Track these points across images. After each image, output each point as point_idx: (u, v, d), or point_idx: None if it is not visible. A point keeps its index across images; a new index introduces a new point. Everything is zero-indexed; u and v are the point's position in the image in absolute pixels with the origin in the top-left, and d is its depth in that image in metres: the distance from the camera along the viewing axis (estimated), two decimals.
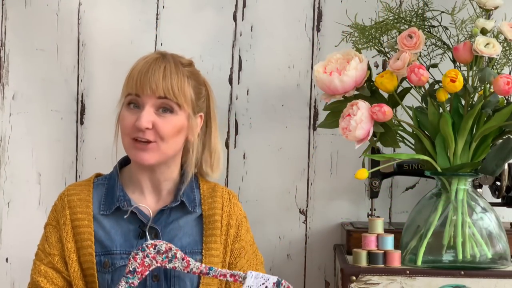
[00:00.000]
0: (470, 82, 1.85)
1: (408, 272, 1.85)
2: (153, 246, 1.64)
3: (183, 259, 1.64)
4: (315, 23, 2.30)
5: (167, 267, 1.64)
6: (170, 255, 1.64)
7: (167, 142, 1.77)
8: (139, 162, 1.77)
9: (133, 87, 1.76)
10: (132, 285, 1.61)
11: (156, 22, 2.30)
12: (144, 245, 1.63)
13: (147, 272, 1.63)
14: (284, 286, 1.62)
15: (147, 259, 1.63)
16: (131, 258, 1.63)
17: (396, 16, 1.99)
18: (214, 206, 1.85)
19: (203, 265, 1.65)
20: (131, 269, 1.62)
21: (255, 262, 1.87)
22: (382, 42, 2.01)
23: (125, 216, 1.73)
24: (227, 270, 1.66)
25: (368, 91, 1.91)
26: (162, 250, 1.63)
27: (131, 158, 1.79)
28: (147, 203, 1.79)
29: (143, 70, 1.76)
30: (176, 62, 1.80)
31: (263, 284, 1.62)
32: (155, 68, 1.77)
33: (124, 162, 1.88)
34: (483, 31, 1.84)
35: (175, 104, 1.77)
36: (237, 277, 1.64)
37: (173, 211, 1.81)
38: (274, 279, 1.63)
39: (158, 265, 1.63)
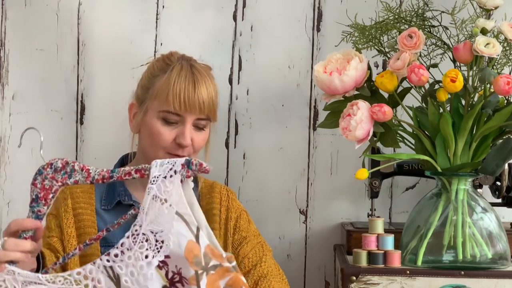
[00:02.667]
0: (470, 82, 1.85)
1: (408, 272, 1.85)
2: (49, 165, 1.52)
3: (82, 170, 1.50)
4: (315, 23, 2.30)
5: (69, 184, 1.51)
6: (68, 169, 1.51)
7: (196, 153, 1.84)
8: None
9: (181, 107, 1.77)
10: (39, 212, 1.49)
11: (156, 22, 2.30)
12: (40, 168, 1.52)
13: (50, 195, 1.50)
14: (195, 165, 1.44)
15: (46, 181, 1.51)
16: (31, 186, 1.51)
17: (396, 16, 1.99)
18: (212, 201, 1.86)
19: (105, 169, 1.51)
20: (33, 197, 1.50)
21: (261, 250, 1.86)
22: (382, 42, 2.01)
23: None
24: (132, 167, 1.47)
25: (368, 91, 1.91)
26: (59, 167, 1.52)
27: None
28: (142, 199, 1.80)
29: (189, 87, 1.78)
30: (207, 73, 1.84)
31: (171, 169, 1.44)
32: (200, 86, 1.79)
33: (125, 161, 1.90)
34: (483, 31, 1.84)
35: (209, 121, 1.84)
36: (142, 171, 1.47)
37: None
38: (182, 160, 1.44)
39: (59, 184, 1.51)
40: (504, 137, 1.89)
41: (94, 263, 1.44)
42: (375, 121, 1.85)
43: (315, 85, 2.28)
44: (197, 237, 1.41)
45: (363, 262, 1.89)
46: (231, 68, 2.31)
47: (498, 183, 2.15)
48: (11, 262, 1.46)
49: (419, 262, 1.88)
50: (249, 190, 2.30)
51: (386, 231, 1.94)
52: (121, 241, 1.43)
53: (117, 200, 1.81)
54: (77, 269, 1.45)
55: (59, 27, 2.29)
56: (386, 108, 1.83)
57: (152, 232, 1.42)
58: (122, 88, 2.14)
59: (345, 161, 2.29)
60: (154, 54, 2.26)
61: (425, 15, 2.01)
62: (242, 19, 2.30)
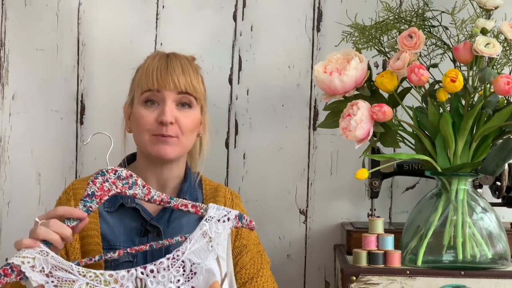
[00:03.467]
0: (470, 82, 1.85)
1: (408, 272, 1.85)
2: (114, 171, 1.60)
3: (143, 186, 1.60)
4: (315, 23, 2.30)
5: (127, 194, 1.60)
6: (130, 181, 1.60)
7: (187, 136, 1.81)
8: (161, 157, 1.79)
9: (153, 83, 1.79)
10: (90, 208, 1.56)
11: (156, 22, 2.30)
12: (104, 170, 1.59)
13: (106, 197, 1.58)
14: (246, 220, 1.61)
15: (106, 184, 1.58)
16: (90, 182, 1.58)
17: (396, 16, 1.99)
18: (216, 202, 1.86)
19: (164, 194, 1.62)
20: (89, 192, 1.57)
21: (259, 261, 1.86)
22: (382, 42, 2.01)
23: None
24: (189, 201, 1.64)
25: (368, 91, 1.91)
26: (122, 176, 1.60)
27: (152, 154, 1.80)
28: (150, 204, 1.80)
29: (161, 66, 1.80)
30: (187, 59, 1.86)
31: (225, 215, 1.60)
32: (173, 64, 1.80)
33: (129, 161, 1.89)
34: (483, 31, 1.84)
35: (193, 99, 1.82)
36: (198, 208, 1.61)
37: (175, 210, 1.81)
38: (236, 212, 1.61)
39: (118, 190, 1.59)
40: (504, 137, 1.89)
41: (128, 271, 1.52)
42: (375, 121, 1.85)
43: (315, 85, 2.28)
44: (222, 281, 1.56)
45: (363, 262, 1.89)
46: (231, 68, 2.31)
47: (498, 183, 2.15)
48: (46, 243, 1.50)
49: (419, 262, 1.88)
50: (249, 190, 2.30)
51: (386, 231, 1.94)
52: (160, 260, 1.54)
53: (120, 202, 1.80)
54: (110, 271, 1.52)
55: (59, 27, 2.29)
56: (386, 108, 1.83)
57: (190, 262, 1.55)
58: (122, 88, 2.13)
59: (345, 161, 2.29)
60: None
61: (425, 15, 2.01)
62: (242, 19, 2.30)
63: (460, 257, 1.87)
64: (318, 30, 2.30)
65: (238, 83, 2.31)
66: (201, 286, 1.54)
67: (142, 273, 1.53)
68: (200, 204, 1.62)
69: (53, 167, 2.31)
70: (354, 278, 1.85)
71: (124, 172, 1.60)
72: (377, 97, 1.92)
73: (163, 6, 2.30)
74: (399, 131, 1.93)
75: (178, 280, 1.54)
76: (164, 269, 1.54)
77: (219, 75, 2.29)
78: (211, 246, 1.56)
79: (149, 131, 1.79)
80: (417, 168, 2.16)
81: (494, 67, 1.89)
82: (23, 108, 2.30)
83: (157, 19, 2.30)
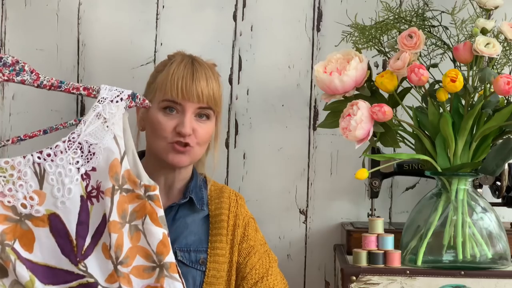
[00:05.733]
0: (470, 82, 1.85)
1: (408, 272, 1.85)
2: None
3: (31, 72, 1.59)
4: (315, 23, 2.30)
5: (15, 81, 1.58)
6: (17, 67, 1.57)
7: (201, 146, 1.84)
8: (175, 165, 1.81)
9: (178, 93, 1.78)
10: None
11: (156, 22, 2.30)
12: None
13: None
14: (139, 99, 1.63)
15: None
16: None
17: (396, 16, 1.99)
18: (221, 206, 1.86)
19: (54, 79, 1.63)
20: None
21: (267, 260, 1.88)
22: (382, 42, 2.01)
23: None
24: (80, 84, 1.68)
25: (368, 91, 1.91)
26: (8, 62, 1.57)
27: (167, 160, 1.80)
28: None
29: (187, 75, 1.79)
30: (210, 67, 1.87)
31: (118, 96, 1.63)
32: (199, 74, 1.80)
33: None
34: (483, 31, 1.84)
35: (212, 112, 1.83)
36: (90, 90, 1.65)
37: (181, 209, 1.82)
38: (128, 92, 1.64)
39: (5, 78, 1.56)
40: (504, 137, 1.89)
41: (24, 157, 1.56)
42: (375, 121, 1.85)
43: (315, 85, 2.28)
44: (122, 159, 1.57)
45: (363, 262, 1.89)
46: (231, 68, 2.31)
47: (498, 183, 2.15)
48: None
49: (419, 262, 1.88)
50: (249, 190, 2.29)
51: (386, 231, 1.94)
52: (56, 143, 1.57)
53: None
54: (5, 158, 1.56)
55: (59, 27, 2.29)
56: (386, 108, 1.83)
57: (87, 143, 1.58)
58: (122, 88, 2.13)
59: (345, 161, 2.29)
60: (154, 54, 2.27)
61: (425, 15, 2.01)
62: (242, 19, 2.30)
63: (460, 257, 1.87)
64: (318, 30, 2.30)
65: (238, 83, 2.31)
66: (102, 165, 1.56)
67: (39, 157, 1.56)
68: (93, 86, 1.65)
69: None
70: (354, 278, 1.85)
71: (9, 58, 1.56)
72: (377, 97, 1.92)
73: (163, 6, 2.30)
74: (399, 131, 1.93)
75: (77, 162, 1.56)
76: (62, 152, 1.56)
77: None
78: (107, 126, 1.59)
79: (166, 139, 1.80)
80: (417, 168, 2.16)
81: (494, 67, 1.89)
82: (23, 108, 2.30)
83: (157, 19, 2.30)
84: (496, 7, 1.89)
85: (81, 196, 1.55)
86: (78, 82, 2.29)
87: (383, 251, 1.89)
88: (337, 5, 2.29)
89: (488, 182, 2.13)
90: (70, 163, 1.56)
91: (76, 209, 1.55)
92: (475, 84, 1.86)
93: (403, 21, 1.98)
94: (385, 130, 1.88)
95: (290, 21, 2.30)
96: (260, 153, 2.30)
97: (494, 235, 1.90)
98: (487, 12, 1.90)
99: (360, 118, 1.83)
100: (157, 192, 1.59)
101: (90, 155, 1.57)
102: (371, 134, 1.86)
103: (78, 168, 1.56)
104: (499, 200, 2.17)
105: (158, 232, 1.58)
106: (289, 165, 2.31)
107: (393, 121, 1.89)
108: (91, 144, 1.57)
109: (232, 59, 2.31)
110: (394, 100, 1.90)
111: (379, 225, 1.92)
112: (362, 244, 1.91)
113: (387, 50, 2.00)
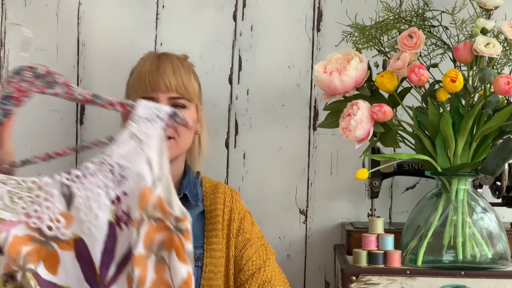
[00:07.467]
0: (470, 82, 1.85)
1: (408, 272, 1.85)
2: (30, 69, 1.45)
3: (65, 85, 1.46)
4: (315, 23, 2.30)
5: (47, 93, 1.47)
6: (50, 79, 1.46)
7: (183, 136, 1.83)
8: None
9: (147, 87, 1.80)
10: (8, 111, 1.45)
11: (156, 22, 2.30)
12: (19, 67, 1.45)
13: (24, 99, 1.45)
14: (180, 118, 1.46)
15: (23, 84, 1.45)
16: (5, 83, 1.44)
17: (396, 16, 1.99)
18: (216, 202, 1.87)
19: (88, 91, 1.48)
20: (5, 94, 1.44)
21: (264, 253, 1.88)
22: (382, 42, 2.01)
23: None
24: (115, 98, 1.48)
25: (368, 91, 1.91)
26: (40, 73, 1.46)
27: None
28: None
29: (152, 68, 1.81)
30: (179, 58, 1.86)
31: (156, 115, 1.46)
32: (164, 65, 1.82)
33: None
34: (483, 31, 1.84)
35: (186, 100, 1.83)
36: (126, 106, 1.47)
37: None
38: (168, 109, 1.46)
39: (37, 90, 1.46)
40: (504, 137, 1.89)
41: (52, 177, 1.43)
42: (375, 121, 1.85)
43: (315, 85, 2.28)
44: (154, 185, 1.43)
45: (363, 262, 1.89)
46: (231, 68, 2.31)
47: (498, 183, 2.15)
48: None
49: (419, 262, 1.88)
50: (249, 190, 2.29)
51: (386, 231, 1.94)
52: (85, 164, 1.44)
53: None
54: (32, 178, 1.43)
55: (59, 27, 2.29)
56: (386, 108, 1.83)
57: (119, 166, 1.44)
58: (122, 88, 2.13)
59: (345, 161, 2.29)
60: None
61: (425, 15, 2.01)
62: (242, 19, 2.30)
63: (460, 257, 1.87)
64: (318, 30, 2.30)
65: (238, 83, 2.31)
66: (133, 191, 1.43)
67: (67, 179, 1.44)
68: (130, 102, 1.47)
69: (53, 167, 2.30)
70: (354, 278, 1.85)
71: (42, 69, 1.46)
72: (377, 97, 1.92)
73: (163, 6, 2.30)
74: (399, 131, 1.93)
75: (107, 186, 1.44)
76: (91, 174, 1.44)
77: (219, 75, 2.29)
78: (141, 149, 1.44)
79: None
80: (417, 168, 2.16)
81: (494, 67, 1.89)
82: (23, 108, 2.29)
83: (157, 19, 2.30)
84: (496, 7, 1.89)
85: (110, 222, 1.44)
86: (78, 82, 2.29)
87: (383, 251, 1.89)
88: (337, 5, 2.29)
89: (488, 182, 2.13)
90: (99, 187, 1.44)
91: (102, 236, 1.44)
92: (475, 84, 1.86)
93: (403, 21, 1.98)
94: (385, 130, 1.88)
95: (290, 21, 2.30)
96: (260, 153, 2.30)
97: (494, 235, 1.90)
98: (487, 12, 1.90)
99: (360, 118, 1.83)
100: (187, 224, 1.47)
101: (122, 179, 1.44)
102: (371, 134, 1.85)
103: (108, 193, 1.44)
104: (499, 200, 2.17)
105: (183, 271, 1.46)
106: (289, 165, 2.31)
107: (393, 121, 1.89)
108: (122, 168, 1.44)
109: (232, 59, 2.31)
110: (394, 100, 1.90)
111: (379, 225, 1.92)
112: (362, 244, 1.91)
113: (387, 50, 2.00)
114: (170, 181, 1.46)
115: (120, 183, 1.44)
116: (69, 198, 1.44)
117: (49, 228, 1.43)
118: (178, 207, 1.46)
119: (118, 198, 1.44)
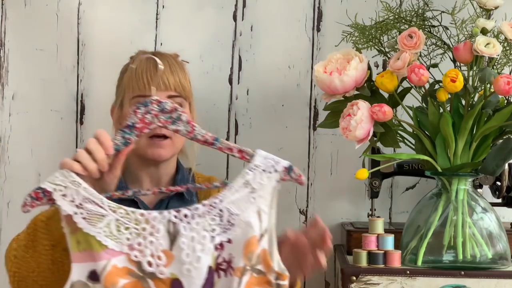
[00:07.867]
0: (470, 82, 1.85)
1: (408, 272, 1.85)
2: (157, 103, 1.46)
3: (187, 123, 1.47)
4: (315, 23, 2.30)
5: (169, 129, 1.47)
6: (174, 116, 1.47)
7: (180, 136, 1.81)
8: (156, 159, 1.81)
9: (145, 86, 1.79)
10: (129, 140, 1.45)
11: (156, 22, 2.30)
12: (147, 101, 1.46)
13: (146, 130, 1.46)
14: (295, 173, 1.46)
15: (148, 116, 1.46)
16: (132, 113, 1.46)
17: (396, 16, 1.99)
18: (210, 194, 1.87)
19: (210, 133, 1.48)
20: (129, 123, 1.45)
21: None
22: (382, 42, 2.01)
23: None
24: (235, 144, 1.49)
25: (368, 91, 1.91)
26: (166, 109, 1.46)
27: (148, 156, 1.81)
28: (146, 197, 1.81)
29: (150, 67, 1.81)
30: (172, 56, 1.89)
31: (273, 166, 1.45)
32: (162, 63, 1.81)
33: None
34: (484, 31, 1.84)
35: (183, 98, 1.83)
36: (244, 154, 1.47)
37: (171, 202, 1.82)
38: (285, 163, 1.46)
39: (160, 124, 1.46)
40: (504, 137, 1.89)
41: (160, 212, 1.41)
42: (375, 121, 1.85)
43: (315, 85, 2.28)
44: (261, 237, 1.43)
45: (363, 262, 1.89)
46: (231, 68, 2.31)
47: (498, 183, 2.15)
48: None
49: (419, 262, 1.88)
50: None
51: (386, 231, 1.94)
52: (196, 205, 1.42)
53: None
54: (141, 210, 1.41)
55: (59, 27, 2.29)
56: (386, 108, 1.83)
57: (229, 212, 1.42)
58: None
59: (345, 161, 2.29)
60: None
61: (425, 15, 2.01)
62: (242, 19, 2.30)
63: (460, 257, 1.87)
64: (318, 30, 2.30)
65: (238, 83, 2.31)
66: (239, 239, 1.41)
67: (175, 216, 1.41)
68: (248, 150, 1.47)
69: (53, 167, 2.29)
70: (354, 278, 1.85)
71: (168, 105, 1.46)
72: (377, 97, 1.92)
73: (163, 6, 2.30)
74: (399, 131, 1.93)
75: (214, 230, 1.41)
76: (200, 216, 1.41)
77: (219, 75, 2.29)
78: (253, 198, 1.43)
79: (145, 133, 1.79)
80: (417, 168, 2.16)
81: (494, 67, 1.89)
82: (23, 108, 2.30)
83: (157, 19, 2.30)
84: (496, 7, 1.89)
85: (209, 267, 1.41)
86: (78, 82, 2.29)
87: (383, 251, 1.89)
88: (337, 5, 2.29)
89: (488, 182, 2.13)
90: (205, 230, 1.41)
91: (201, 281, 1.40)
92: (475, 84, 1.86)
93: (403, 21, 1.98)
94: (385, 130, 1.88)
95: (290, 21, 2.30)
96: None
97: (494, 235, 1.90)
98: (487, 12, 1.90)
99: (360, 118, 1.83)
100: (286, 282, 1.44)
101: (229, 225, 1.42)
102: (371, 134, 1.85)
103: (213, 237, 1.41)
104: (499, 200, 2.17)
105: None
106: None
107: (393, 121, 1.89)
108: (232, 214, 1.42)
109: (232, 59, 2.31)
110: (394, 100, 1.90)
111: (379, 225, 1.92)
112: (362, 244, 1.91)
113: (387, 50, 2.00)
114: (274, 233, 1.45)
115: (227, 230, 1.42)
116: (173, 236, 1.41)
117: (149, 264, 1.40)
118: (277, 262, 1.44)
119: (221, 245, 1.42)
